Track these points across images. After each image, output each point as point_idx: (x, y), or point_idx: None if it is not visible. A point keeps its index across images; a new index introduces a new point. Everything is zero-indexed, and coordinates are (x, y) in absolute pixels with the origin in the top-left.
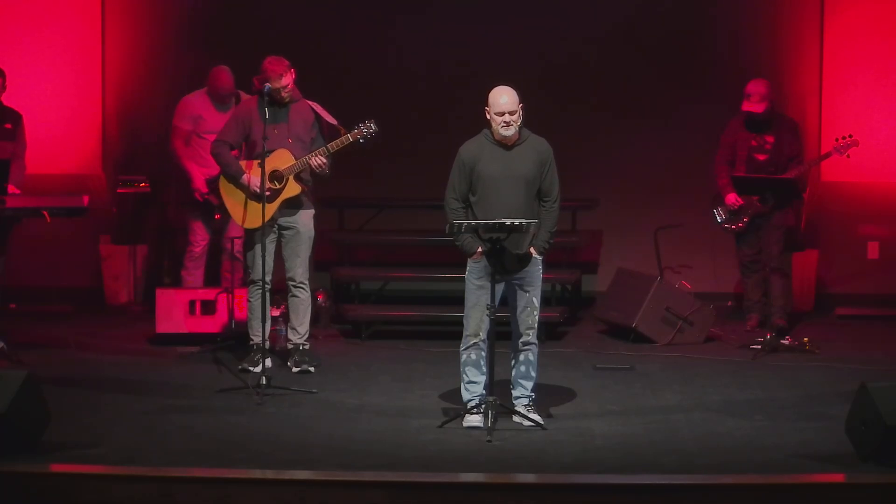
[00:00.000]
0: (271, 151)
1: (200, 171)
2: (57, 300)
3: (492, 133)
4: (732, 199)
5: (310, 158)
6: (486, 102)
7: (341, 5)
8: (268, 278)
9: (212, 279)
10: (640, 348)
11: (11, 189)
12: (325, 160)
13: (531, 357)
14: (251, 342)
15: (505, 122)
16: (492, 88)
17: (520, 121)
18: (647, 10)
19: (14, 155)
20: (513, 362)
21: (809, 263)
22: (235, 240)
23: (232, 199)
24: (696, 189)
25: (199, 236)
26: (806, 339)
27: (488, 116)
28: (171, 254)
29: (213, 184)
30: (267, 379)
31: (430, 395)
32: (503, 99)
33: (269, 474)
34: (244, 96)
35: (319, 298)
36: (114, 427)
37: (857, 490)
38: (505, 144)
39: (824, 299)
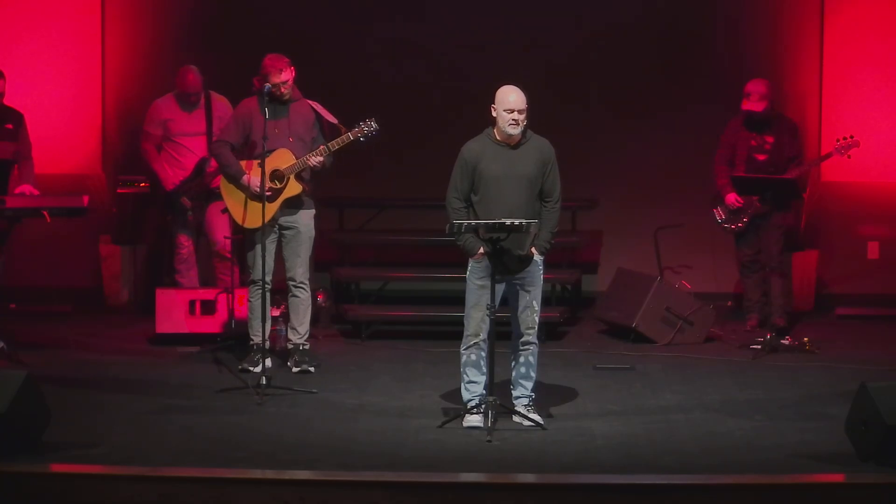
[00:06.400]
0: (272, 151)
1: (172, 173)
2: (57, 300)
3: (494, 132)
4: (732, 198)
5: (308, 158)
6: (492, 101)
7: (342, 5)
8: (268, 278)
9: (205, 280)
10: (640, 348)
11: (29, 190)
12: (322, 159)
13: (531, 357)
14: (251, 342)
15: (513, 119)
16: (493, 88)
17: (526, 121)
18: (648, 11)
19: (20, 155)
20: (513, 362)
21: (809, 263)
22: (226, 238)
23: (232, 199)
24: (696, 189)
25: (182, 238)
26: (806, 339)
27: (494, 114)
28: (170, 254)
29: (183, 187)
30: (267, 379)
31: (430, 395)
32: (512, 97)
33: (269, 474)
34: (214, 95)
35: (319, 298)
36: (114, 427)
37: (857, 490)
38: (507, 144)
39: (824, 299)
